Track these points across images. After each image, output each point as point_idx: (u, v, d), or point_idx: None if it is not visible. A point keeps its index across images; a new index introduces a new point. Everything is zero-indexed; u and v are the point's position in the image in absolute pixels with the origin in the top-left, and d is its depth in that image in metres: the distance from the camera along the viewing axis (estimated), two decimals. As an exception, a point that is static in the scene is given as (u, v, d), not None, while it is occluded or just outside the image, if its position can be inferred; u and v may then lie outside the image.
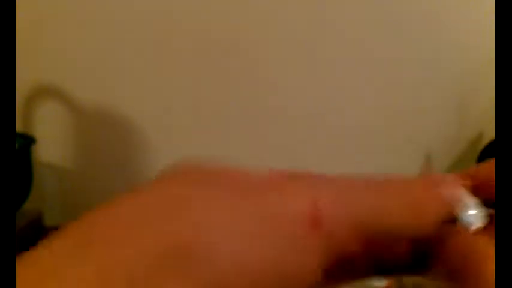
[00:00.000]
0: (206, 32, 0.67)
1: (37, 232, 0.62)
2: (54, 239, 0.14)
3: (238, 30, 0.67)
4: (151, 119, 0.69)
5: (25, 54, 0.61)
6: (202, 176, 0.16)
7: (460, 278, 0.16)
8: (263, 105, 0.68)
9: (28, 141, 0.61)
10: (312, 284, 0.15)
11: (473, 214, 0.17)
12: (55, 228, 0.14)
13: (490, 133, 0.69)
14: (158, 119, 0.69)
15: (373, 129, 0.71)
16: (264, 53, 0.68)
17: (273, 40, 0.68)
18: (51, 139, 0.68)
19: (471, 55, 0.70)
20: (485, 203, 0.18)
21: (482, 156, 0.65)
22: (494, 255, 0.15)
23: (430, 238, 0.17)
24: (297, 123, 0.70)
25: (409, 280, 0.47)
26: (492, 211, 0.18)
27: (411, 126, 0.71)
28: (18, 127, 0.67)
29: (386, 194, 0.16)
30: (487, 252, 0.15)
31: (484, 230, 0.17)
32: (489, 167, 0.18)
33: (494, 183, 0.17)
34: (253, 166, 0.16)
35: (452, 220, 0.17)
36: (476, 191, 0.18)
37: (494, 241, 0.16)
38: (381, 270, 0.18)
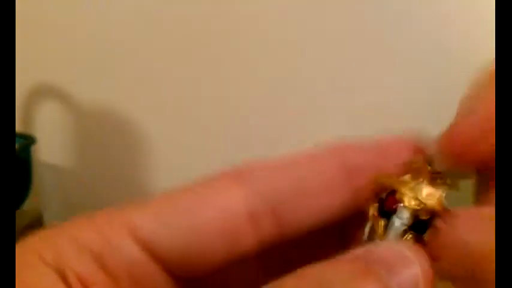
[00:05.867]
0: (207, 32, 0.67)
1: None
2: None
3: (239, 30, 0.67)
4: (151, 119, 0.69)
5: (25, 54, 0.61)
6: None
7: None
8: (265, 105, 0.68)
9: (28, 141, 0.61)
10: None
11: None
12: (55, 228, 0.14)
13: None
14: (158, 119, 0.69)
15: (372, 129, 0.71)
16: (267, 53, 0.68)
17: (274, 40, 0.68)
18: (51, 139, 0.68)
19: (472, 54, 0.70)
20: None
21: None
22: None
23: None
24: (297, 123, 0.70)
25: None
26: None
27: (411, 125, 0.71)
28: (18, 127, 0.67)
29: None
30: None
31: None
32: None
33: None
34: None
35: None
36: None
37: None
38: None
